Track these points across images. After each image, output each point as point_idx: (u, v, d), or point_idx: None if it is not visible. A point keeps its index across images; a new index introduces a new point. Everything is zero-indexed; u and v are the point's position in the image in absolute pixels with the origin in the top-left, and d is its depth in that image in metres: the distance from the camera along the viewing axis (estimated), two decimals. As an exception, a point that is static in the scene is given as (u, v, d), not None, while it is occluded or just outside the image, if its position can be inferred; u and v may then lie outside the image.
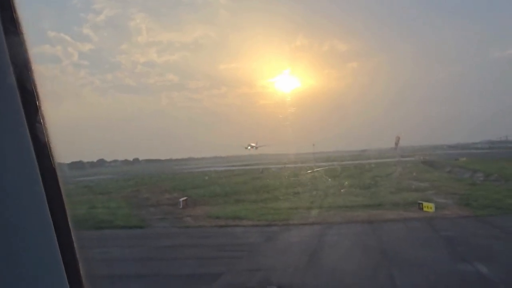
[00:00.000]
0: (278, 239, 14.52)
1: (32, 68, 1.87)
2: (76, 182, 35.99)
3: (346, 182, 26.67)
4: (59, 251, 1.81)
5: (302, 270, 10.37)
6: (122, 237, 15.93)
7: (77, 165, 60.71)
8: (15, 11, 1.81)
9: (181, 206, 20.86)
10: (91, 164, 62.28)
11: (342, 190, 23.48)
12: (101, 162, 65.15)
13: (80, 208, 21.10)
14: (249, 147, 64.22)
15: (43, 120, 1.87)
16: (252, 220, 17.48)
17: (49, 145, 1.88)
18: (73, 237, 1.95)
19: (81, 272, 1.96)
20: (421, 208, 17.56)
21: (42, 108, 1.87)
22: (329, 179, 27.54)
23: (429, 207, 17.40)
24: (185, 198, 21.96)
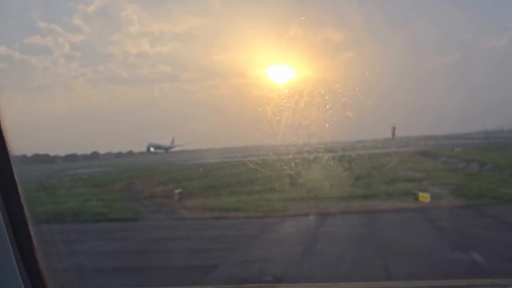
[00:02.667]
0: (273, 230, 14.53)
1: None
2: (70, 175, 35.82)
3: (340, 173, 26.68)
4: (10, 246, 1.72)
5: (297, 261, 10.36)
6: (117, 230, 15.88)
7: (71, 158, 60.45)
8: None
9: (176, 198, 20.77)
10: (85, 157, 62.01)
11: (336, 181, 23.48)
12: (95, 154, 64.80)
13: (75, 201, 21.01)
14: (151, 149, 54.64)
15: None
16: (247, 212, 17.46)
17: (3, 139, 1.77)
18: (31, 232, 1.87)
19: (41, 266, 1.89)
20: (416, 198, 17.58)
21: None
22: (323, 170, 27.51)
23: (424, 197, 17.43)
24: (179, 190, 21.86)
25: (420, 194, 17.71)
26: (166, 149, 56.84)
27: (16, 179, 1.84)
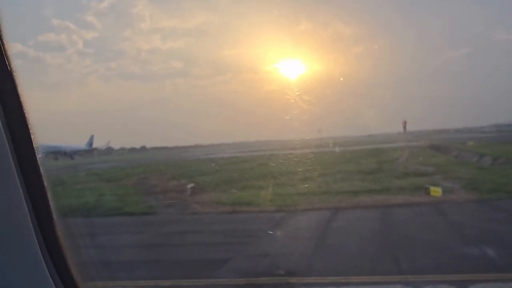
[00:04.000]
0: (285, 224, 14.65)
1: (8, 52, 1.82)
2: (86, 170, 36.37)
3: (352, 167, 26.69)
4: (36, 241, 1.80)
5: (310, 255, 10.49)
6: (132, 224, 16.18)
7: (86, 153, 61.23)
8: None
9: (188, 193, 21.00)
10: (99, 152, 62.74)
11: (347, 175, 23.52)
12: (109, 149, 65.54)
13: (91, 195, 21.41)
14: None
15: (22, 110, 1.83)
16: (259, 206, 17.61)
17: (29, 135, 1.85)
18: (55, 226, 1.94)
19: (68, 260, 1.95)
20: (428, 192, 17.54)
21: (21, 97, 1.83)
22: (335, 164, 27.56)
23: (436, 191, 17.37)
24: (192, 185, 22.08)
25: (432, 188, 17.65)
26: (73, 154, 45.09)
27: (42, 174, 1.88)
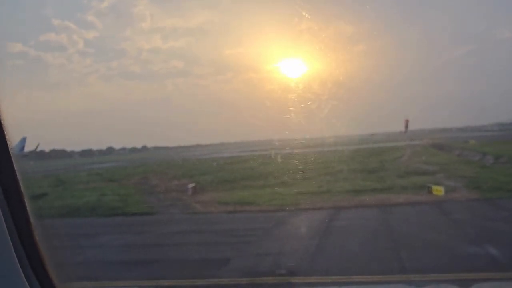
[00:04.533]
0: (287, 223, 14.60)
1: None
2: (87, 170, 36.38)
3: (354, 166, 26.61)
4: (10, 241, 1.76)
5: (311, 255, 10.43)
6: (133, 224, 16.16)
7: (88, 153, 61.30)
8: None
9: (189, 193, 20.97)
10: (101, 152, 62.81)
11: (349, 174, 23.45)
12: (110, 149, 65.58)
13: (92, 195, 21.39)
14: None
15: None
16: (260, 206, 17.56)
17: (4, 137, 1.82)
18: (32, 226, 1.91)
19: (45, 260, 1.92)
20: (430, 191, 17.48)
21: None
22: (337, 164, 27.48)
23: (438, 190, 17.31)
24: (193, 184, 22.06)
25: (434, 187, 17.59)
26: None
27: (18, 176, 1.85)
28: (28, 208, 1.91)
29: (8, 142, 1.84)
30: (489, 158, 27.60)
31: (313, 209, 16.33)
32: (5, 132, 1.83)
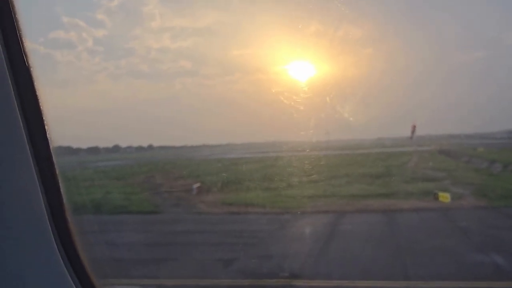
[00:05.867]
0: (291, 226, 14.57)
1: (26, 47, 1.83)
2: (93, 167, 36.56)
3: (360, 171, 26.50)
4: (53, 238, 1.78)
5: (315, 258, 10.39)
6: (137, 222, 16.21)
7: (94, 151, 61.55)
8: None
9: (194, 193, 21.00)
10: (107, 150, 63.07)
11: (355, 178, 23.36)
12: (117, 148, 65.85)
13: (97, 192, 21.48)
14: None
15: (38, 105, 1.83)
16: (265, 207, 17.53)
17: (45, 131, 1.84)
18: (70, 223, 1.93)
19: (83, 257, 1.94)
20: (436, 198, 17.34)
21: (37, 92, 1.84)
22: (343, 167, 27.39)
23: (445, 197, 17.18)
24: (198, 184, 22.08)
25: (441, 194, 17.45)
26: None
27: (57, 170, 1.89)
28: (66, 204, 1.95)
29: (49, 137, 1.85)
30: (497, 165, 27.35)
31: (318, 212, 16.28)
32: (46, 128, 1.84)
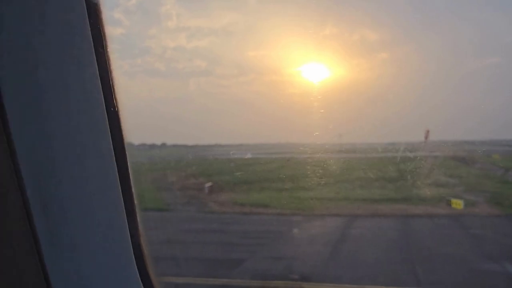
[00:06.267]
0: (302, 228, 14.56)
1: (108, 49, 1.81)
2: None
3: (372, 174, 26.32)
4: (129, 235, 1.76)
5: (324, 261, 10.39)
6: (149, 219, 16.33)
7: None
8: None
9: (206, 192, 21.09)
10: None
11: (367, 183, 23.20)
12: (130, 145, 66.50)
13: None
14: None
15: (116, 98, 1.84)
16: (276, 209, 17.55)
17: (121, 126, 1.84)
18: (139, 222, 1.93)
19: (146, 255, 1.91)
20: (449, 204, 17.16)
21: (116, 92, 1.84)
22: (355, 171, 27.22)
23: (457, 203, 16.98)
24: (210, 183, 22.16)
25: (453, 200, 17.25)
26: None
27: (129, 167, 1.87)
28: (136, 202, 1.87)
29: (123, 131, 1.84)
30: (512, 173, 26.91)
31: (328, 215, 16.26)
32: (121, 122, 1.82)
